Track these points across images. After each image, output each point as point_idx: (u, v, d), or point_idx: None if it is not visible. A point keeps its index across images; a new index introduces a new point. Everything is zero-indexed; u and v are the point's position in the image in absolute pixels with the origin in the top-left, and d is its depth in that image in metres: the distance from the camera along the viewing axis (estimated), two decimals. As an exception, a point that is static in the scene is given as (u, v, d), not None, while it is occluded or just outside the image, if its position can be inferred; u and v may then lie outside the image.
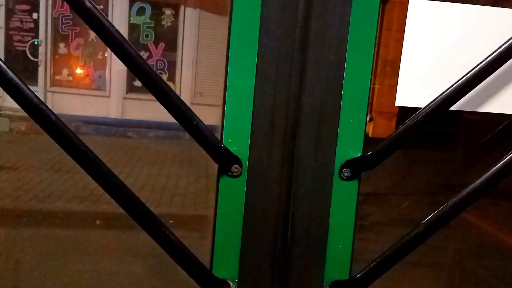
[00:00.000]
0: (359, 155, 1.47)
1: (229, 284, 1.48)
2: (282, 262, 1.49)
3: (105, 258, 5.06)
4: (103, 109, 11.56)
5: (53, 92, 11.77)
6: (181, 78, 12.08)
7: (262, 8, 1.39)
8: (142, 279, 4.71)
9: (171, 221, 6.08)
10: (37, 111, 1.28)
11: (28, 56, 11.67)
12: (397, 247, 1.47)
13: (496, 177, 1.42)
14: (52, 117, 1.29)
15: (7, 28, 11.67)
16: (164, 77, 12.03)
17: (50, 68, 11.92)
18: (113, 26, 1.31)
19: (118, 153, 9.71)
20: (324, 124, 1.45)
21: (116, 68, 11.86)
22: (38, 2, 11.50)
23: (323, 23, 1.42)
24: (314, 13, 1.41)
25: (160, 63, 12.06)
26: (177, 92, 11.87)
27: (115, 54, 1.32)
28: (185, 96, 11.88)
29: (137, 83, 12.34)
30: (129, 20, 12.08)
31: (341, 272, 1.51)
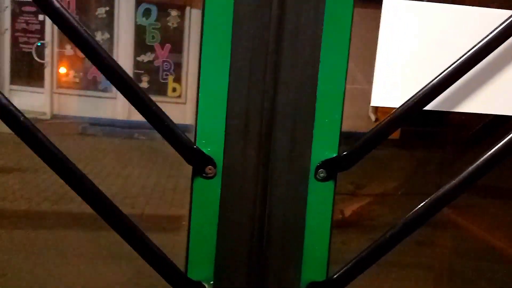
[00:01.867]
0: (334, 155, 1.45)
1: (205, 286, 1.47)
2: (258, 263, 1.47)
3: (116, 260, 5.05)
4: (110, 111, 11.58)
5: (59, 93, 11.79)
6: (187, 79, 12.08)
7: (234, 8, 1.38)
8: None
9: (184, 223, 6.08)
10: (5, 112, 1.27)
11: (34, 58, 11.71)
12: (374, 248, 1.45)
13: (473, 176, 1.40)
14: (21, 118, 1.28)
15: (13, 30, 11.72)
16: (170, 78, 12.05)
17: (57, 70, 11.95)
18: (82, 26, 1.30)
19: (126, 154, 9.72)
20: (299, 124, 1.44)
21: (123, 70, 11.84)
22: (44, 4, 11.52)
23: (297, 23, 1.40)
24: (288, 13, 1.39)
25: (166, 64, 12.06)
26: (183, 93, 11.89)
27: (83, 53, 1.31)
28: (192, 97, 11.89)
29: (143, 84, 12.39)
30: (135, 21, 12.10)
31: (318, 273, 1.50)
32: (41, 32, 11.62)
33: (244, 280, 1.48)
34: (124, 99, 1.37)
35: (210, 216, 1.45)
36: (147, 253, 1.41)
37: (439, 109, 1.46)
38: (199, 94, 1.41)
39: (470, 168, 1.41)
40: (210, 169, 1.43)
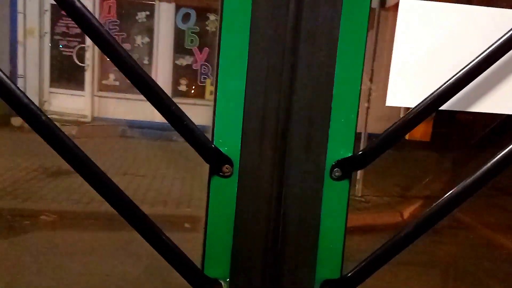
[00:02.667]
0: (350, 155, 1.46)
1: (221, 283, 1.49)
2: (273, 261, 1.49)
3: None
4: (148, 113, 11.67)
5: (99, 96, 11.95)
6: (225, 82, 12.13)
7: (252, 9, 1.40)
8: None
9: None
10: (27, 111, 1.30)
11: (74, 61, 11.88)
12: (388, 246, 1.46)
13: (486, 176, 1.40)
14: (43, 117, 1.31)
15: (53, 33, 11.90)
16: (208, 81, 12.12)
17: (98, 73, 12.11)
18: (102, 26, 1.33)
19: (172, 156, 9.79)
20: (315, 124, 1.45)
21: (161, 73, 12.00)
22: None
23: (314, 24, 1.42)
24: (305, 14, 1.41)
25: (204, 68, 12.15)
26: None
27: (104, 52, 1.34)
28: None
29: (182, 87, 12.47)
30: (175, 25, 12.21)
31: (332, 271, 1.51)
32: (81, 35, 11.79)
33: (260, 278, 1.50)
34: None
35: (227, 214, 1.47)
36: (165, 251, 1.43)
37: (455, 109, 1.46)
38: (217, 94, 1.43)
39: (485, 167, 1.41)
40: (227, 168, 1.45)
